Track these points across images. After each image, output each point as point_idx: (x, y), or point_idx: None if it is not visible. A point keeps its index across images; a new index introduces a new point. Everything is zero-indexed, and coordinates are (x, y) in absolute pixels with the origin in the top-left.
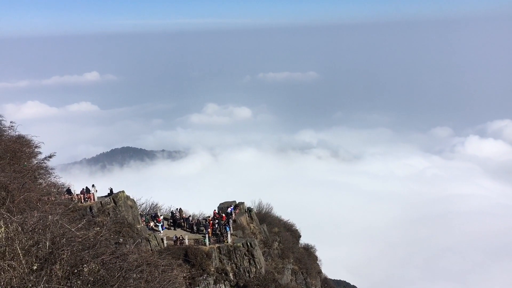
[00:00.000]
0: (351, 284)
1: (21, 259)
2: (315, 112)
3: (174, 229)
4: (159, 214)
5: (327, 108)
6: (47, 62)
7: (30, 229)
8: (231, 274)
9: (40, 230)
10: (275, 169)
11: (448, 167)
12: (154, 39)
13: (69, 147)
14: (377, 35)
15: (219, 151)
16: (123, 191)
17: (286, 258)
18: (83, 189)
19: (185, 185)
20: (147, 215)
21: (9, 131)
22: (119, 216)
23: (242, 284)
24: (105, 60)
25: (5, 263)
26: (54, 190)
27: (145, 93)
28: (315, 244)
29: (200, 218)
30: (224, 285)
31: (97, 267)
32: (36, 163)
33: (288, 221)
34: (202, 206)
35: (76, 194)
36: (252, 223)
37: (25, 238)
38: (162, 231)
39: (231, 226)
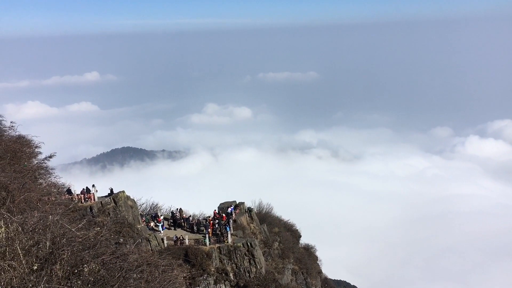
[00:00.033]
0: (351, 284)
1: (22, 259)
2: (315, 112)
3: (175, 229)
4: (159, 214)
5: (327, 108)
6: (48, 62)
7: (31, 229)
8: (231, 274)
9: (41, 230)
10: (275, 169)
11: (448, 167)
12: (154, 39)
13: (70, 147)
14: (377, 35)
15: (219, 151)
16: (123, 191)
17: (286, 258)
18: (83, 189)
19: (185, 185)
20: (148, 215)
21: (10, 131)
22: (119, 216)
23: (242, 284)
24: (105, 60)
25: (6, 263)
26: (55, 190)
27: (145, 93)
28: (315, 244)
29: (200, 218)
30: (224, 285)
31: (98, 267)
32: (37, 163)
33: (288, 221)
34: (202, 206)
35: (77, 194)
36: (252, 223)
37: (26, 238)
38: (162, 231)
39: (231, 226)
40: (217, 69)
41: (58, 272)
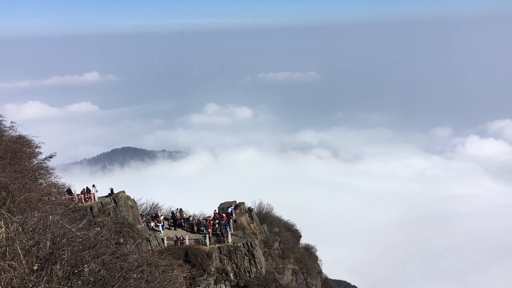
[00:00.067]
0: (352, 284)
1: (22, 259)
2: (315, 112)
3: (175, 229)
4: (159, 214)
5: (327, 108)
6: (48, 62)
7: (31, 229)
8: (231, 274)
9: (41, 230)
10: (275, 169)
11: (448, 167)
12: (155, 39)
13: (70, 147)
14: (377, 35)
15: (219, 151)
16: (123, 191)
17: (286, 258)
18: (83, 189)
19: (185, 185)
20: (148, 215)
21: (10, 131)
22: (119, 216)
23: (242, 284)
24: (106, 60)
25: (6, 263)
26: (55, 190)
27: (146, 93)
28: (315, 244)
29: (200, 218)
30: (225, 285)
31: (98, 267)
32: (37, 163)
33: (289, 221)
34: (203, 206)
35: (77, 194)
36: (253, 223)
37: (26, 238)
38: (162, 231)
39: (231, 226)
40: (217, 69)
41: (58, 272)
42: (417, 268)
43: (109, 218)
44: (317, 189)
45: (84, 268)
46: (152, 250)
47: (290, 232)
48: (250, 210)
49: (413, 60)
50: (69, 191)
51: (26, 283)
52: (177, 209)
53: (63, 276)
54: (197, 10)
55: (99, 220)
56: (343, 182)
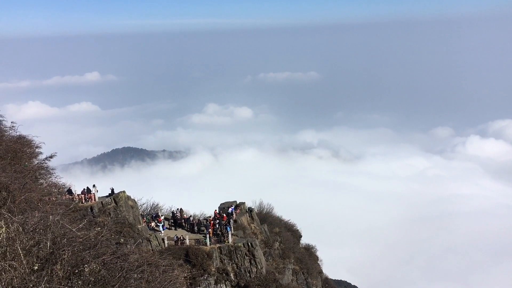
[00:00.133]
0: (352, 284)
1: (22, 259)
2: (316, 112)
3: (175, 229)
4: (160, 214)
5: (328, 108)
6: (48, 63)
7: (31, 229)
8: (232, 274)
9: (41, 230)
10: (276, 169)
11: (449, 167)
12: (155, 39)
13: (70, 147)
14: (378, 35)
15: (220, 151)
16: (124, 191)
17: (287, 258)
18: (84, 189)
19: (186, 185)
20: (148, 215)
21: (10, 131)
22: (120, 216)
23: (243, 284)
24: (106, 60)
25: (6, 264)
26: (55, 190)
27: (146, 93)
28: (316, 244)
29: (201, 218)
30: (225, 285)
31: (98, 267)
32: (37, 163)
33: (289, 221)
34: (203, 206)
35: (77, 194)
36: (253, 223)
37: (26, 238)
38: (163, 231)
39: (232, 226)
40: (218, 69)
41: (58, 272)
42: (418, 268)
43: (109, 218)
44: (317, 189)
45: (84, 268)
46: (152, 250)
47: (291, 232)
48: (250, 210)
49: (413, 60)
50: (69, 191)
51: (26, 283)
52: (178, 209)
53: (63, 276)
54: (197, 10)
55: (100, 220)
56: (343, 182)
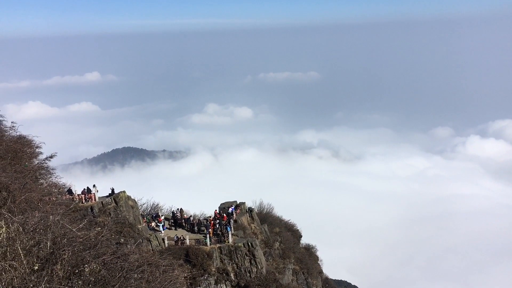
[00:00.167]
0: (352, 284)
1: (22, 259)
2: (316, 112)
3: (175, 229)
4: (160, 214)
5: (328, 108)
6: (48, 63)
7: (31, 229)
8: (232, 274)
9: (41, 230)
10: (276, 169)
11: (449, 167)
12: (155, 39)
13: (70, 147)
14: (378, 35)
15: (220, 151)
16: (124, 191)
17: (287, 258)
18: (84, 189)
19: (186, 185)
20: (148, 215)
21: (10, 131)
22: (120, 216)
23: (243, 284)
24: (106, 60)
25: (6, 263)
26: (55, 190)
27: (146, 93)
28: (316, 244)
29: (201, 218)
30: (225, 285)
31: (98, 267)
32: (37, 163)
33: (289, 221)
34: (203, 206)
35: (77, 194)
36: (253, 223)
37: (26, 238)
38: (163, 231)
39: (232, 226)
40: (218, 69)
41: (59, 272)
42: (418, 268)
43: (109, 218)
44: (317, 189)
45: (84, 268)
46: (152, 250)
47: (291, 232)
48: (250, 210)
49: (413, 60)
50: (69, 191)
51: (27, 283)
52: (178, 209)
53: (63, 276)
54: (197, 10)
55: (100, 220)
56: (343, 182)
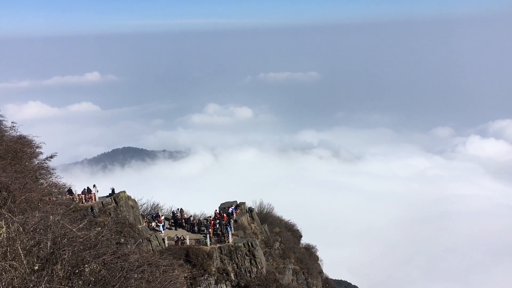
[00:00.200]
0: (352, 284)
1: (23, 259)
2: (316, 112)
3: (175, 229)
4: (160, 214)
5: (328, 108)
6: (48, 63)
7: (32, 229)
8: (232, 274)
9: (42, 230)
10: (276, 169)
11: (449, 167)
12: (155, 39)
13: (70, 147)
14: (378, 35)
15: (220, 151)
16: (124, 191)
17: (287, 258)
18: (84, 189)
19: (186, 185)
20: (148, 215)
21: (11, 132)
22: (120, 216)
23: (243, 284)
24: (106, 60)
25: (7, 263)
26: (56, 190)
27: (146, 94)
28: (316, 244)
29: (201, 218)
30: (225, 285)
31: (98, 267)
32: (37, 163)
33: (289, 221)
34: (203, 206)
35: (78, 194)
36: (253, 223)
37: (27, 238)
38: (163, 231)
39: (232, 226)
40: (218, 69)
41: (59, 272)
42: (418, 268)
43: (110, 218)
44: (317, 189)
45: (85, 268)
46: (153, 250)
47: (291, 232)
48: (250, 210)
49: (413, 60)
50: (70, 191)
51: (27, 283)
52: (178, 209)
53: (64, 276)
54: (197, 10)
55: (100, 220)
56: (343, 182)
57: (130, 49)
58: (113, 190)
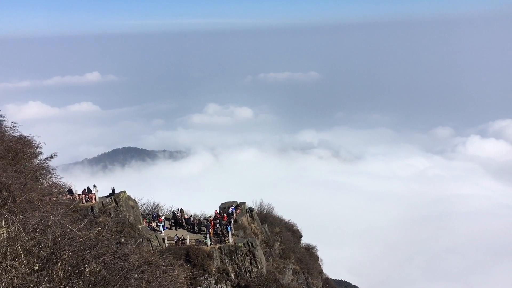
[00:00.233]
0: (352, 284)
1: (23, 259)
2: (316, 112)
3: (176, 229)
4: (160, 214)
5: (328, 108)
6: (49, 63)
7: (32, 229)
8: (232, 274)
9: (42, 230)
10: (276, 169)
11: (449, 167)
12: (155, 40)
13: (71, 147)
14: (378, 35)
15: (220, 151)
16: (124, 191)
17: (287, 258)
18: (84, 189)
19: (186, 185)
20: (149, 215)
21: (11, 132)
22: (120, 216)
23: (243, 284)
24: (106, 60)
25: (7, 263)
26: (56, 190)
27: (146, 94)
28: (316, 244)
29: (201, 218)
30: (226, 285)
31: (99, 267)
32: (38, 163)
33: (289, 221)
34: (203, 206)
35: (78, 194)
36: (253, 223)
37: (27, 238)
38: (163, 231)
39: (232, 226)
40: (218, 69)
41: (59, 272)
42: (418, 268)
43: (110, 218)
44: (317, 189)
45: (85, 268)
46: (153, 250)
47: (291, 232)
48: (251, 210)
49: (413, 60)
50: (70, 191)
51: (27, 283)
52: (178, 209)
53: (64, 276)
54: (197, 10)
55: (100, 220)
56: (343, 182)
57: (130, 49)
58: (113, 190)
